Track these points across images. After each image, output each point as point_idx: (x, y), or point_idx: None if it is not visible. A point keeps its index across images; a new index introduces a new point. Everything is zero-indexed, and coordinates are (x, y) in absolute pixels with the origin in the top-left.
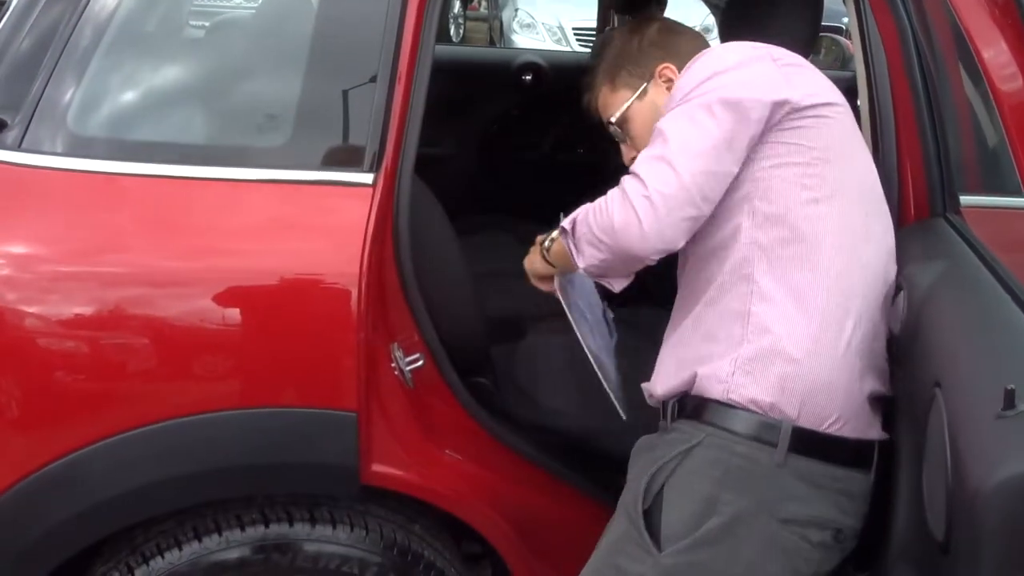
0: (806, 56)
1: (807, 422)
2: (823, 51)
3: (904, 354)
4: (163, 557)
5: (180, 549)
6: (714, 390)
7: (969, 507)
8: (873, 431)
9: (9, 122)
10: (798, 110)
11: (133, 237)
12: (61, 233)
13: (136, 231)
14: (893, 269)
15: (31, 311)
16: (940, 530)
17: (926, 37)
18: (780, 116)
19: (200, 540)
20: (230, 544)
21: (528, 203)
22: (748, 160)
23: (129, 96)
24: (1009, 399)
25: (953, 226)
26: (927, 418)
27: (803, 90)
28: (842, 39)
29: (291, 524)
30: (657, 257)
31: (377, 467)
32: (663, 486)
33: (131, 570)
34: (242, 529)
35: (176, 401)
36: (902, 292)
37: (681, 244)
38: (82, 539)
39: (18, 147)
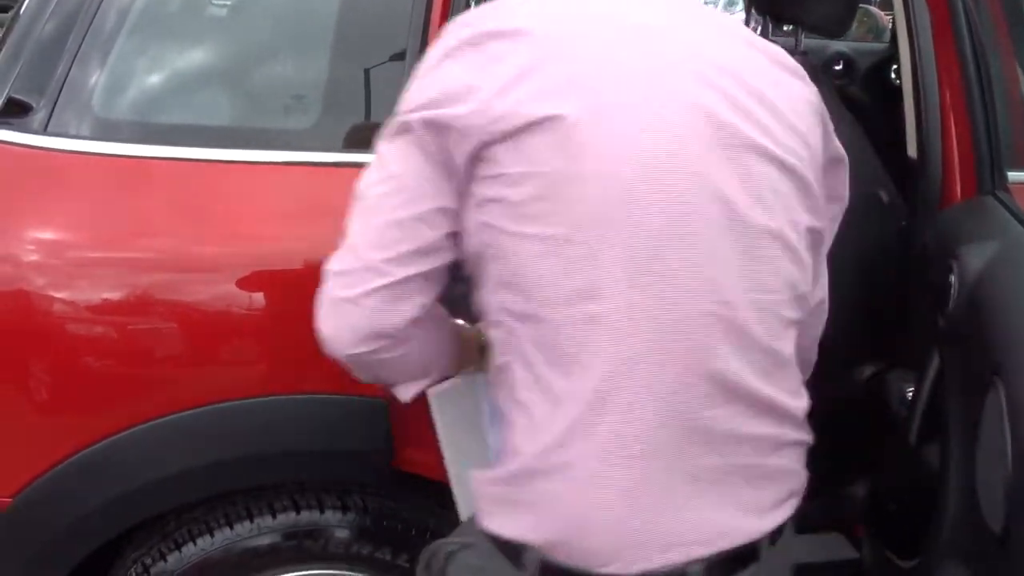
0: (845, 30)
1: (560, 556)
2: (855, 23)
3: (956, 338)
4: (195, 543)
5: (212, 535)
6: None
7: None
8: (673, 554)
9: (34, 106)
10: (497, 126)
11: (161, 222)
12: (89, 218)
13: (164, 216)
14: (738, 309)
15: (60, 296)
16: (997, 522)
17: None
18: (475, 135)
19: (232, 527)
20: (261, 531)
21: None
22: (462, 197)
23: (154, 78)
24: None
25: (1003, 204)
26: (982, 405)
27: (507, 89)
28: (873, 9)
29: (322, 511)
30: (366, 348)
31: (408, 453)
32: None
33: (163, 556)
34: (273, 516)
35: (208, 388)
36: (953, 273)
37: (393, 325)
38: (115, 526)
39: (44, 131)
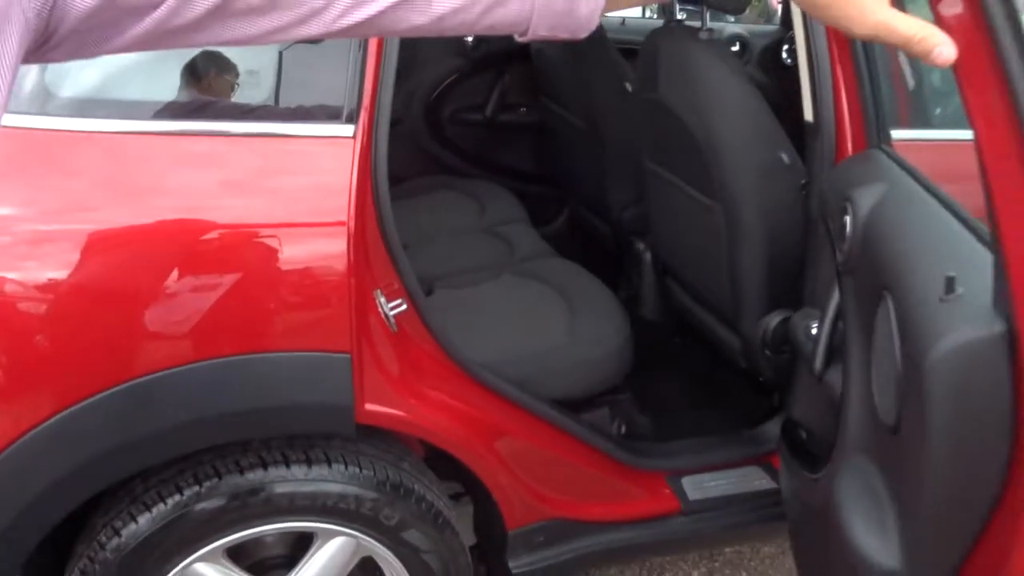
0: (743, 9)
1: None
2: (748, 7)
3: (853, 268)
4: (165, 504)
5: (181, 495)
6: None
7: (917, 381)
8: None
9: None
10: None
11: (119, 194)
12: (33, 193)
13: (118, 188)
14: None
15: (9, 276)
16: (891, 415)
17: None
18: None
19: (200, 485)
20: (230, 488)
21: (473, 163)
22: None
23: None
24: (949, 285)
25: (888, 155)
26: (875, 317)
27: None
28: None
29: (288, 466)
30: None
31: (370, 406)
32: None
33: (134, 518)
34: (241, 473)
35: (176, 351)
36: (848, 213)
37: None
38: (81, 492)
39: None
